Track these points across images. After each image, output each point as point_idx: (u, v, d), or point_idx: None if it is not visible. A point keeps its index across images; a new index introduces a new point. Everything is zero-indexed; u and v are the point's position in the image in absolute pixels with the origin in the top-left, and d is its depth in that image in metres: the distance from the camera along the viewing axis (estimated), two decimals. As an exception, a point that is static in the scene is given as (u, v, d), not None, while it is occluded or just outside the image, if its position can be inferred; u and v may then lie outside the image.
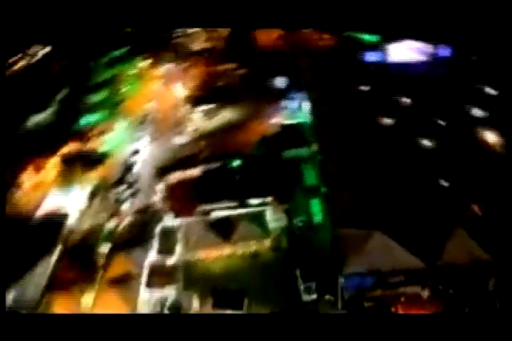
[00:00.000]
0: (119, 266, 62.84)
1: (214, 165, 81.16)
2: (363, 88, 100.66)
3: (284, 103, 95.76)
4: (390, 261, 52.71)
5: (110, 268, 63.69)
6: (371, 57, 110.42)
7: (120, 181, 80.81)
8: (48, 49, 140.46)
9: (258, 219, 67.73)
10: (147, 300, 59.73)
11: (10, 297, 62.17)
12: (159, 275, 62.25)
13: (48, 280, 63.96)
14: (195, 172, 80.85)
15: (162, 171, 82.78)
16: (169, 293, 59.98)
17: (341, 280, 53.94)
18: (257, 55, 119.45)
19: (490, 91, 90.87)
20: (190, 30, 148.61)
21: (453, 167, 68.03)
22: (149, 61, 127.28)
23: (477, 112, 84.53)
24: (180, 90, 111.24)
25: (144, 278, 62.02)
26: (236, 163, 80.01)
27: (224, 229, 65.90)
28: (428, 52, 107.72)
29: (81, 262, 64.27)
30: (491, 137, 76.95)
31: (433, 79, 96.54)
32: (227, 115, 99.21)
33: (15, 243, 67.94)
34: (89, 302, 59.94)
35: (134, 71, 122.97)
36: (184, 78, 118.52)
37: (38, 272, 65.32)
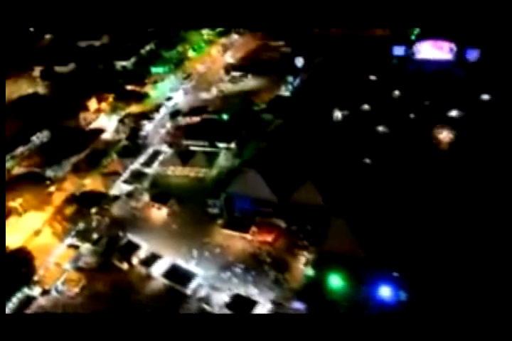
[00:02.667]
0: (113, 166, 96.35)
1: (211, 116, 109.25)
2: (372, 77, 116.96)
3: (290, 79, 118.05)
4: (256, 191, 76.90)
5: (109, 166, 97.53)
6: (398, 51, 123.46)
7: (145, 115, 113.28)
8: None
9: (212, 155, 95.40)
10: (120, 187, 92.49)
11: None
12: (134, 177, 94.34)
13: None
14: (197, 119, 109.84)
15: (177, 115, 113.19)
16: (134, 187, 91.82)
17: (223, 196, 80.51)
18: (303, 36, 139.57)
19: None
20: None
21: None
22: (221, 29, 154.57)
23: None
24: (229, 58, 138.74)
25: (123, 176, 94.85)
26: (225, 116, 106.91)
27: (185, 157, 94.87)
28: (455, 52, 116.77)
29: (94, 159, 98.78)
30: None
31: (450, 80, 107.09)
32: (248, 83, 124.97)
33: (68, 139, 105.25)
34: (88, 182, 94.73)
35: (205, 36, 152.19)
36: (238, 48, 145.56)
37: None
